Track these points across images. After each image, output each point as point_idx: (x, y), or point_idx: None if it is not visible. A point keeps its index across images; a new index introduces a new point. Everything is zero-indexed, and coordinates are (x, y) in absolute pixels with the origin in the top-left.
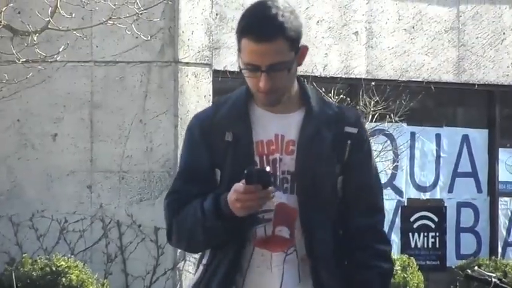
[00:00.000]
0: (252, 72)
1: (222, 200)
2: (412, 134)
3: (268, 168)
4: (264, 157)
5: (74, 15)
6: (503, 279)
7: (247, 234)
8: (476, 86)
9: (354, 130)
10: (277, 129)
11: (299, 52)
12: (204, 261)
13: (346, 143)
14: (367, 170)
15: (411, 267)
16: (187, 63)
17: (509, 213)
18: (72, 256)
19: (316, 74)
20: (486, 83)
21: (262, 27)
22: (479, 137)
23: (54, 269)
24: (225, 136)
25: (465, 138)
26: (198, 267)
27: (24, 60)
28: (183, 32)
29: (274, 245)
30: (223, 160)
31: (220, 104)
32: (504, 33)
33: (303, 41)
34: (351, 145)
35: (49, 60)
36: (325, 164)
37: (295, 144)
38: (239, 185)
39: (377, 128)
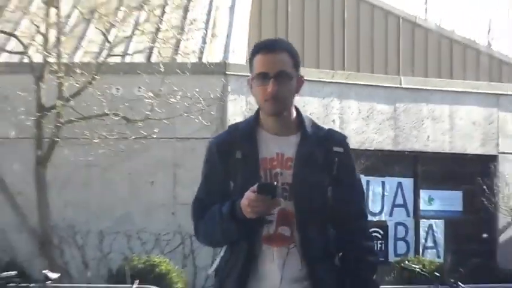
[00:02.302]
0: (262, 80)
1: (237, 205)
2: (367, 181)
3: (276, 183)
4: (268, 171)
5: (164, 110)
6: (423, 269)
7: (256, 233)
8: (406, 152)
9: (341, 149)
10: (278, 148)
11: (298, 76)
12: (222, 253)
13: (334, 160)
14: (353, 183)
15: None
16: None
17: (426, 228)
18: (162, 255)
19: None
20: (412, 150)
21: (272, 43)
22: (408, 183)
23: (151, 263)
24: (236, 155)
25: (400, 184)
26: (215, 259)
27: (133, 137)
28: (229, 120)
29: (277, 241)
30: (235, 174)
31: (232, 129)
32: (423, 121)
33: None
34: (338, 161)
35: (148, 137)
36: (317, 177)
37: (293, 161)
38: (251, 194)
39: None
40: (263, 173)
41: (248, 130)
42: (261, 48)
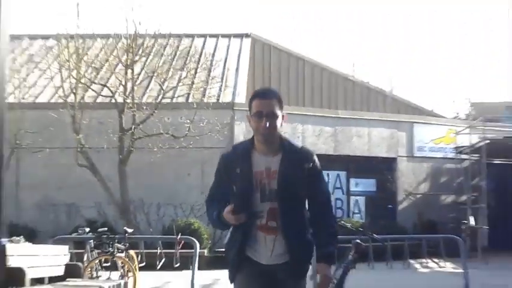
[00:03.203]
0: (258, 117)
1: (222, 214)
2: None
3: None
4: (259, 181)
5: (196, 130)
6: (352, 226)
7: (252, 223)
8: (342, 156)
9: (310, 164)
10: (266, 164)
11: (282, 114)
12: (230, 230)
13: (305, 169)
14: (320, 179)
15: None
16: None
17: (354, 202)
18: (195, 218)
19: None
20: (346, 154)
21: (265, 91)
22: (343, 174)
23: (188, 223)
24: (236, 170)
25: (338, 175)
26: (227, 232)
27: (178, 147)
28: (236, 136)
29: (267, 231)
30: (236, 182)
31: (234, 149)
32: (352, 137)
33: None
34: (308, 169)
35: (187, 147)
36: (295, 183)
37: (277, 173)
38: (229, 211)
39: None
40: (255, 182)
41: (245, 151)
42: (258, 94)
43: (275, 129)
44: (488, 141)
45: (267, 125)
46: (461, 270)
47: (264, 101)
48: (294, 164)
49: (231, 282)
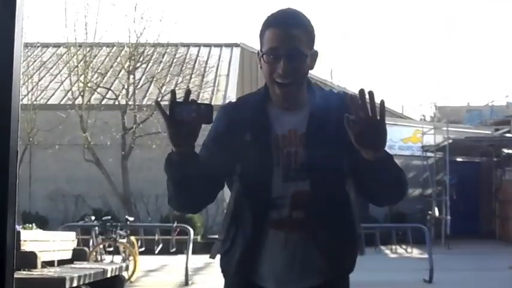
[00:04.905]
0: (273, 58)
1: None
2: None
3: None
4: (280, 150)
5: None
6: None
7: (264, 216)
8: None
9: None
10: (290, 125)
11: (313, 52)
12: (221, 237)
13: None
14: None
15: None
16: None
17: None
18: None
19: None
20: None
21: (287, 16)
22: None
23: None
24: (245, 135)
25: None
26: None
27: None
28: None
29: (290, 227)
30: (243, 154)
31: (244, 100)
32: None
33: None
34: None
35: None
36: (332, 152)
37: (306, 138)
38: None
39: None
40: (275, 152)
41: (259, 106)
42: (274, 21)
43: (300, 77)
44: (451, 140)
45: (287, 69)
46: (426, 256)
47: (283, 31)
48: (330, 118)
49: None
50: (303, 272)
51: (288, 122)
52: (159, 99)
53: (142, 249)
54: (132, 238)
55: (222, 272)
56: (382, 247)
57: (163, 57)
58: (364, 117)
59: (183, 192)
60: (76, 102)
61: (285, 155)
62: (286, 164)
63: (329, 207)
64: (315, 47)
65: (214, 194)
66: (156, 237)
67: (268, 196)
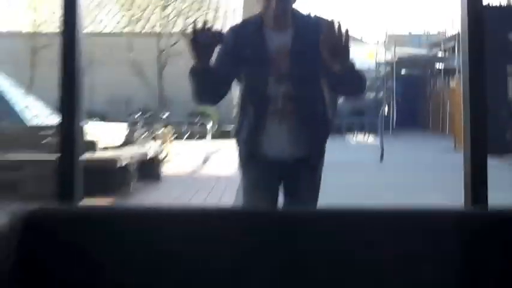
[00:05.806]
0: None
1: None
2: None
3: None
4: (272, 60)
5: None
6: None
7: (264, 107)
8: None
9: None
10: (279, 41)
11: None
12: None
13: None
14: None
15: None
16: None
17: None
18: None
19: None
20: None
21: None
22: None
23: (203, 110)
24: (247, 51)
25: None
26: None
27: None
28: None
29: (282, 115)
30: (245, 65)
31: (245, 24)
32: None
33: None
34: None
35: None
36: (310, 62)
37: (291, 51)
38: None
39: None
40: (269, 62)
41: (256, 29)
42: None
43: (289, 9)
44: (397, 58)
45: (278, 8)
46: (378, 143)
47: None
48: (310, 35)
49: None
50: (292, 146)
51: (277, 40)
52: (184, 30)
53: (175, 136)
54: (167, 129)
55: (236, 146)
56: (346, 135)
57: None
58: (334, 41)
59: (203, 92)
60: (124, 30)
61: (276, 64)
62: (277, 71)
63: (308, 101)
64: None
65: (225, 92)
66: (185, 127)
67: (265, 94)
